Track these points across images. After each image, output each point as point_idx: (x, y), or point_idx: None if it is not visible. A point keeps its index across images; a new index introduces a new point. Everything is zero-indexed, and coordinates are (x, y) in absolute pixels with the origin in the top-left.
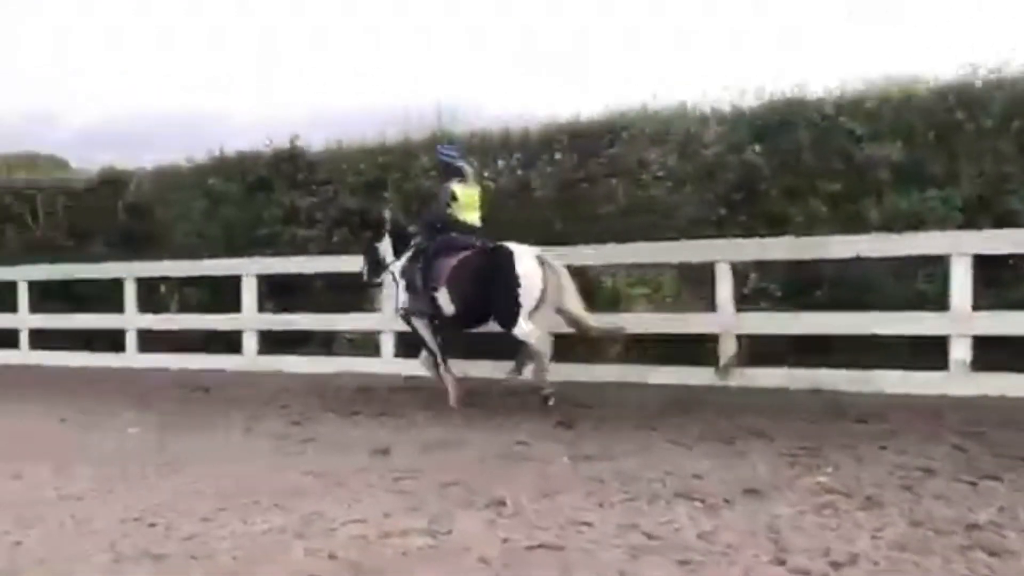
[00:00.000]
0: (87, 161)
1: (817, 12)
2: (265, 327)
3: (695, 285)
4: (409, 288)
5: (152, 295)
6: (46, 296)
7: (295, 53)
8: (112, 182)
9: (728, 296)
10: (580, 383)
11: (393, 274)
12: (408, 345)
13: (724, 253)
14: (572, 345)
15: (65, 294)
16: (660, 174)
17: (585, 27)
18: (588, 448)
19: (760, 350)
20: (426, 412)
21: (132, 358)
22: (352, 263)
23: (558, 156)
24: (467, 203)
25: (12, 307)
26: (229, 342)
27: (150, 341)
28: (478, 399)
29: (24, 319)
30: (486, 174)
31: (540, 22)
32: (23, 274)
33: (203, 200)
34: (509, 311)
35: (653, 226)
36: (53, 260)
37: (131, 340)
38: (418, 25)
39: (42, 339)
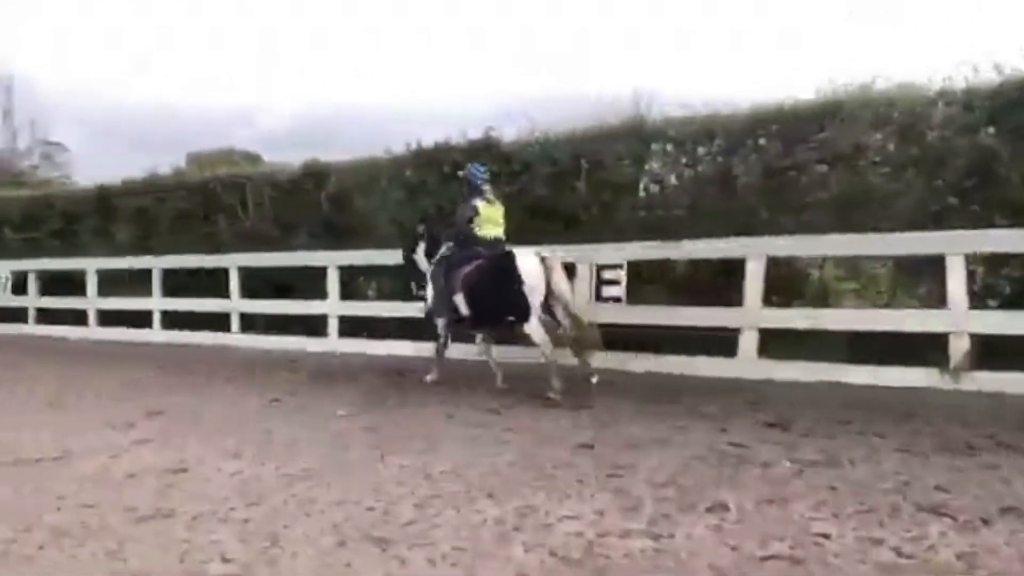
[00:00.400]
0: (278, 156)
1: None
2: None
3: (910, 280)
4: (434, 291)
5: (351, 283)
6: (251, 283)
7: (478, 46)
8: (315, 174)
9: (962, 292)
10: (778, 382)
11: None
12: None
13: (958, 245)
14: (768, 339)
15: (269, 281)
16: (877, 159)
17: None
18: (809, 452)
19: (991, 352)
20: (627, 407)
21: (333, 343)
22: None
23: (763, 142)
24: (489, 218)
25: (224, 292)
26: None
27: (347, 327)
28: (678, 396)
29: (236, 304)
30: (684, 161)
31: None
32: (234, 261)
33: (400, 191)
34: (521, 308)
35: (869, 215)
36: (260, 249)
37: (333, 326)
38: (610, 13)
39: (248, 323)
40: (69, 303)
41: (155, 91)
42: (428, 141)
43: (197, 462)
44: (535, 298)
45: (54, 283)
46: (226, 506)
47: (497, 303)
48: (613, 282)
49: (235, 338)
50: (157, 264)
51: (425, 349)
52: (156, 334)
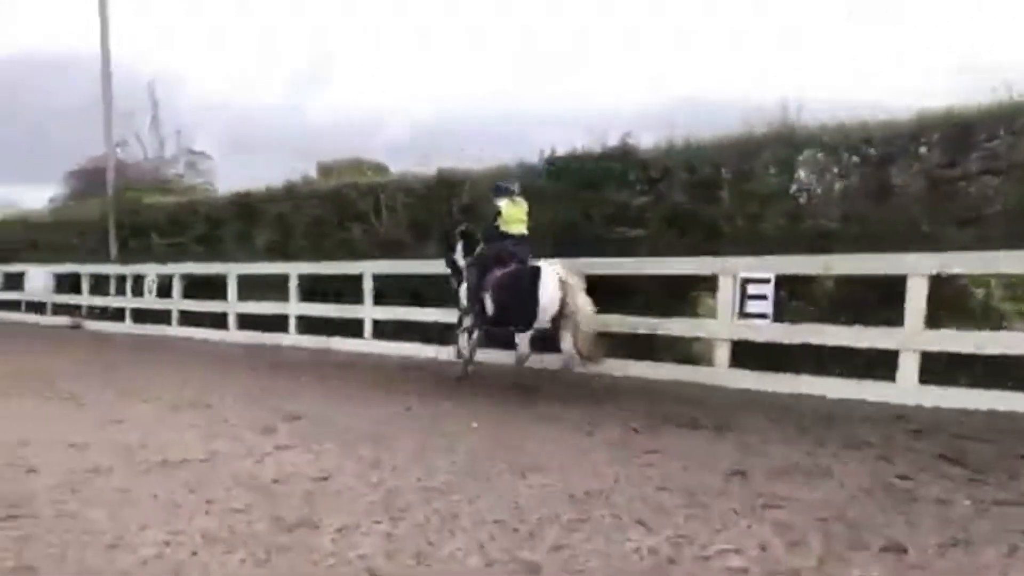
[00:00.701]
0: (402, 166)
1: None
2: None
3: None
4: (468, 289)
5: None
6: (384, 290)
7: (610, 51)
8: (448, 182)
9: None
10: (944, 409)
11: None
12: (745, 356)
13: None
14: (929, 363)
15: (402, 288)
16: None
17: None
18: (991, 490)
19: None
20: (773, 431)
21: (444, 350)
22: (683, 265)
23: (925, 150)
24: (513, 217)
25: (357, 298)
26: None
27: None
28: (829, 421)
29: (368, 311)
30: (836, 170)
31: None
32: (368, 268)
33: (532, 199)
34: (528, 322)
35: None
36: (394, 256)
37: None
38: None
39: (379, 330)
40: (210, 306)
41: (288, 101)
42: (561, 149)
43: (338, 470)
44: (543, 316)
45: (196, 286)
46: (370, 519)
47: (514, 311)
48: (759, 297)
49: (367, 344)
50: (294, 270)
51: (551, 361)
52: (291, 338)
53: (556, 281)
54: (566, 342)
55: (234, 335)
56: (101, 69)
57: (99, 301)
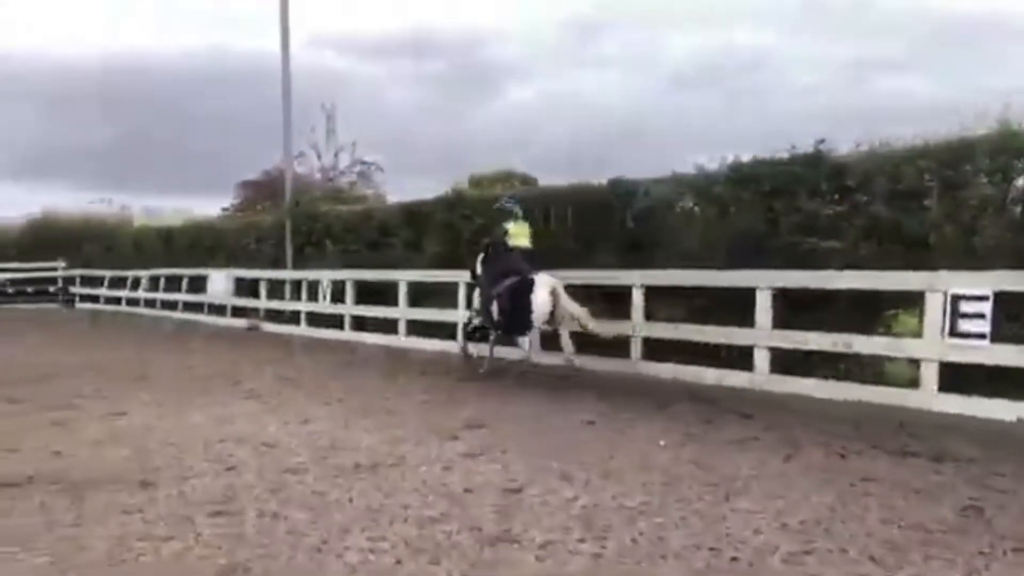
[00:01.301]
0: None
1: None
2: (778, 344)
3: None
4: (481, 296)
5: (650, 302)
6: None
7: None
8: (621, 190)
9: None
10: None
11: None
12: (954, 379)
13: None
14: None
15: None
16: None
17: None
18: None
19: None
20: (1000, 462)
21: (636, 364)
22: (883, 280)
23: None
24: (518, 234)
25: None
26: (728, 356)
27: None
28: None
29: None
30: None
31: None
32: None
33: (711, 207)
34: (526, 327)
35: None
36: (562, 266)
37: (636, 346)
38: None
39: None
40: (381, 312)
41: (442, 115)
42: (746, 156)
43: (528, 482)
44: (537, 321)
45: (368, 292)
46: (571, 536)
47: (515, 318)
48: (975, 316)
49: (535, 355)
50: (462, 278)
51: (737, 378)
52: (458, 345)
53: (547, 291)
54: (564, 341)
55: (403, 340)
56: (282, 80)
57: (275, 305)
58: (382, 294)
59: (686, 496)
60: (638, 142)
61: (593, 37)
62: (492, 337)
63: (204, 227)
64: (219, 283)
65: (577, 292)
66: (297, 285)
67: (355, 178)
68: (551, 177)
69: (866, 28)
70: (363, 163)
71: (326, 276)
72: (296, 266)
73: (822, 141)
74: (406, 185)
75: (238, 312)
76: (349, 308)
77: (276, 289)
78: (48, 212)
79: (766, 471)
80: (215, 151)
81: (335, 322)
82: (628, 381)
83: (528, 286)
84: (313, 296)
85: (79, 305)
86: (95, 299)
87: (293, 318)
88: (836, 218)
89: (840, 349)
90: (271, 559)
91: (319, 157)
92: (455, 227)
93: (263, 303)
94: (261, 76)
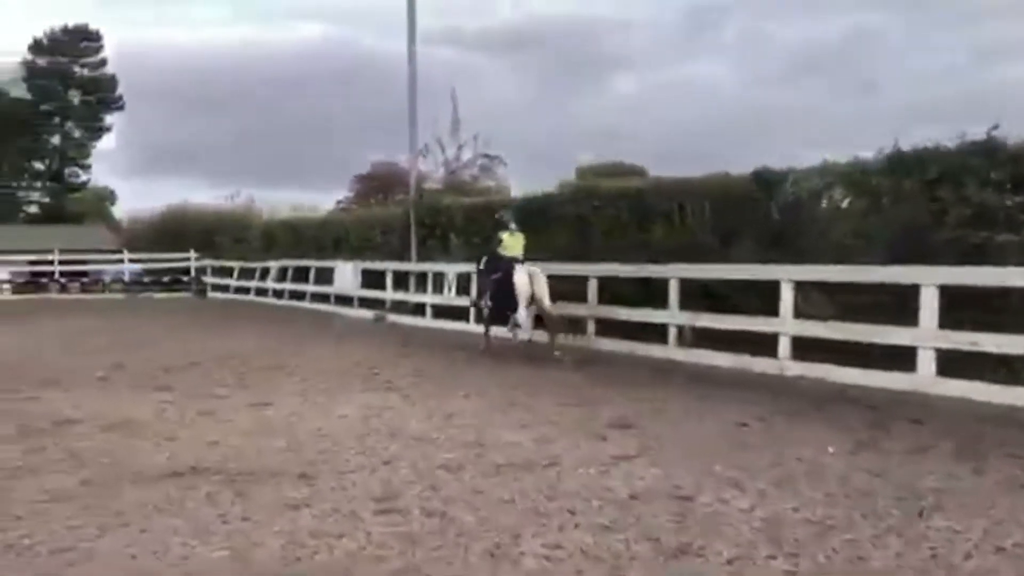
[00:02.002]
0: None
1: None
2: (945, 345)
3: None
4: (478, 290)
5: (802, 299)
6: (689, 295)
7: None
8: (765, 181)
9: None
10: None
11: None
12: None
13: None
14: None
15: (706, 294)
16: None
17: None
18: None
19: None
20: None
21: (784, 364)
22: None
23: None
24: (511, 245)
25: (659, 303)
26: (884, 356)
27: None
28: None
29: (676, 317)
30: None
31: None
32: (674, 272)
33: (866, 198)
34: (513, 305)
35: None
36: (697, 260)
37: (784, 346)
38: None
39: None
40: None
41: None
42: (906, 145)
43: (696, 489)
44: (522, 300)
45: None
46: (759, 552)
47: (502, 301)
48: None
49: (674, 351)
50: (593, 271)
51: (898, 380)
52: (589, 341)
53: (524, 274)
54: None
55: (527, 335)
56: (408, 75)
57: (401, 296)
58: None
59: (875, 510)
60: (752, 131)
61: (707, 25)
62: (487, 320)
63: (330, 220)
64: (346, 274)
65: (716, 288)
66: (422, 277)
67: (477, 171)
68: (661, 168)
69: (989, 11)
70: (486, 156)
71: (451, 269)
72: (420, 258)
73: (995, 127)
74: (515, 177)
75: (364, 303)
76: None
77: (401, 281)
78: (180, 205)
79: (958, 485)
80: (329, 145)
81: (460, 314)
82: (773, 381)
83: (510, 275)
84: (438, 288)
85: (210, 295)
86: (225, 289)
87: (418, 309)
88: (1013, 210)
89: (1018, 351)
90: (446, 564)
91: (443, 150)
92: (584, 219)
93: (389, 295)
94: (372, 70)
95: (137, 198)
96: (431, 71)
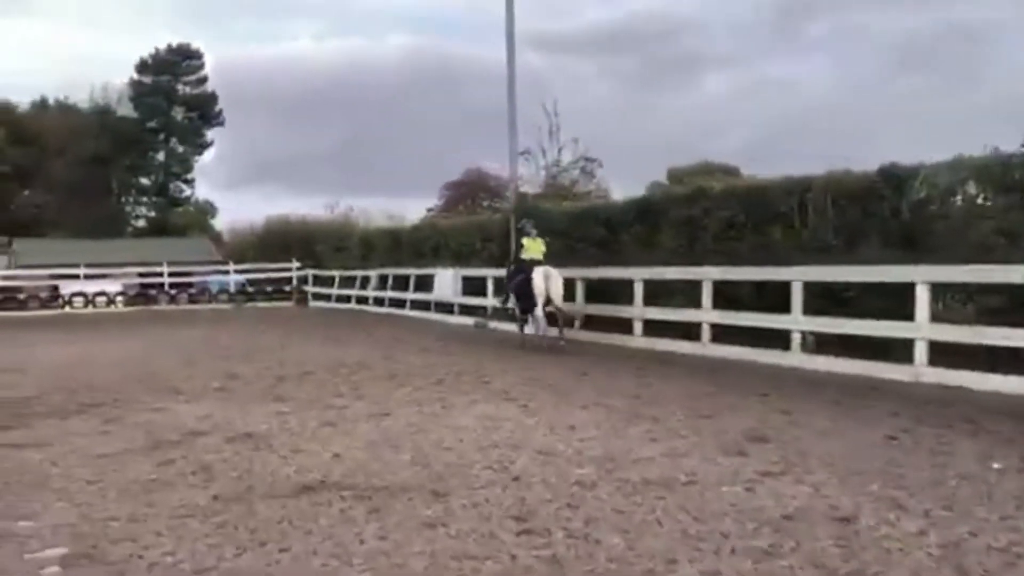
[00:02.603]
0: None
1: None
2: None
3: None
4: (504, 291)
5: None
6: (810, 298)
7: None
8: (893, 178)
9: None
10: None
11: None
12: None
13: None
14: None
15: (827, 296)
16: None
17: None
18: None
19: None
20: None
21: (920, 370)
22: None
23: None
24: (531, 248)
25: (778, 306)
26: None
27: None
28: None
29: (799, 321)
30: None
31: None
32: (798, 274)
33: (1006, 195)
34: (532, 303)
35: None
36: (820, 261)
37: (921, 351)
38: None
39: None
40: (613, 311)
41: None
42: None
43: (855, 510)
44: (539, 299)
45: (596, 291)
46: None
47: (523, 299)
48: None
49: (797, 358)
50: (707, 275)
51: None
52: (704, 347)
53: (541, 276)
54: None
55: (638, 341)
56: (507, 78)
57: (501, 303)
58: (610, 292)
59: None
60: (848, 129)
61: (798, 20)
62: (520, 318)
63: (428, 227)
64: (446, 282)
65: (839, 290)
66: None
67: (577, 175)
68: (754, 168)
69: None
70: (586, 159)
71: None
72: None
73: None
74: (607, 180)
75: (465, 310)
76: (579, 307)
77: (502, 288)
78: (281, 216)
79: None
80: (418, 153)
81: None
82: (908, 389)
83: (528, 276)
84: None
85: (312, 303)
86: (326, 297)
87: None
88: None
89: None
90: None
91: (544, 154)
92: (695, 221)
93: (490, 301)
94: (459, 78)
95: (232, 210)
96: (520, 76)
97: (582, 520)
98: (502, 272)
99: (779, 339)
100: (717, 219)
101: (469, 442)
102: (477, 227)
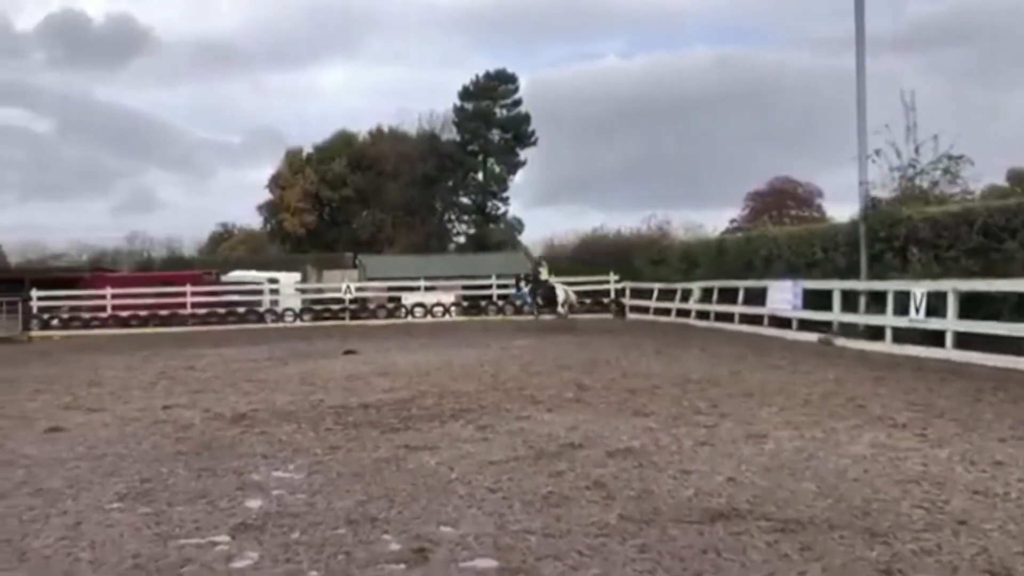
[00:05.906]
0: None
1: None
2: None
3: None
4: (530, 297)
5: None
6: None
7: None
8: None
9: None
10: None
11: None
12: None
13: None
14: None
15: None
16: None
17: None
18: None
19: None
20: None
21: None
22: None
23: None
24: (545, 274)
25: None
26: None
27: None
28: None
29: None
30: None
31: None
32: None
33: None
34: (553, 304)
35: None
36: None
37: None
38: None
39: None
40: (992, 327)
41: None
42: None
43: None
44: (561, 301)
45: (971, 305)
46: None
47: (548, 302)
48: None
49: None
50: None
51: None
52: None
53: (562, 288)
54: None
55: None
56: (856, 81)
57: (849, 318)
58: (991, 305)
59: None
60: None
61: None
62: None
63: (758, 238)
64: (783, 294)
65: None
66: (876, 297)
67: (939, 176)
68: None
69: None
70: (949, 158)
71: (921, 287)
72: (872, 276)
73: None
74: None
75: (804, 325)
76: (951, 323)
77: (850, 301)
78: (595, 230)
79: None
80: (722, 164)
81: (929, 338)
82: None
83: (552, 289)
84: (901, 309)
85: (629, 316)
86: (644, 310)
87: (872, 333)
88: None
89: None
90: None
91: (899, 155)
92: None
93: (836, 316)
94: (762, 88)
95: (536, 226)
96: (847, 77)
97: None
98: (854, 284)
99: None
100: None
101: (876, 474)
102: (817, 236)
